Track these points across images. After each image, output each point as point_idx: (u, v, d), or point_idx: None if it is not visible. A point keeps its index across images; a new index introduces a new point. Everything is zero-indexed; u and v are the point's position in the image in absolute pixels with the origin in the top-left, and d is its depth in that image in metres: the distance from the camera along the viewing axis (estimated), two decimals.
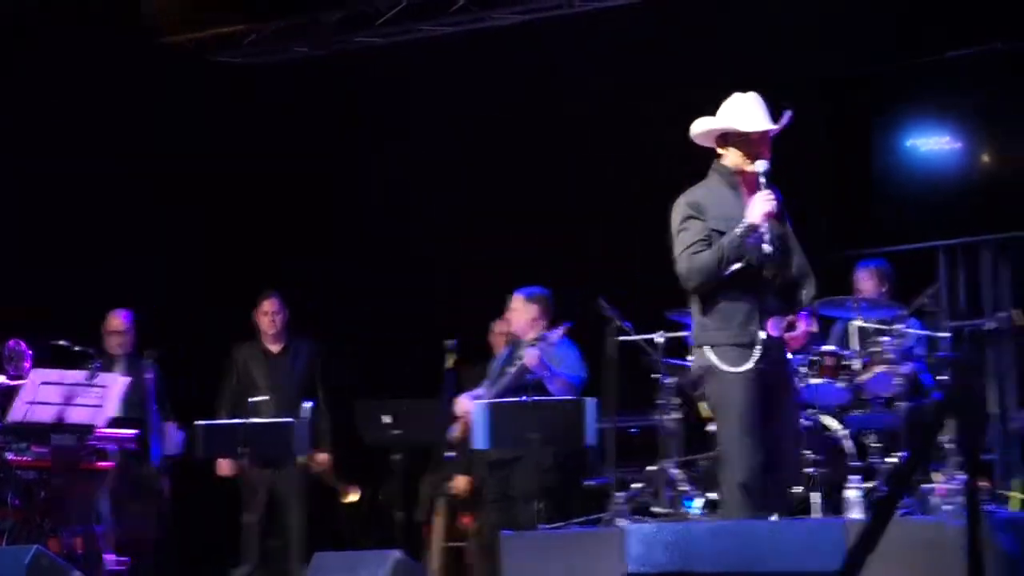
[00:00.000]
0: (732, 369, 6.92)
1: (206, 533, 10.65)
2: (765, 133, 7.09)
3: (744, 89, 7.25)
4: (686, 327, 9.28)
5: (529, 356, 9.08)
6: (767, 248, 6.97)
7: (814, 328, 7.32)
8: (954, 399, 5.85)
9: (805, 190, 10.57)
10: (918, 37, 10.58)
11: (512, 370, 9.25)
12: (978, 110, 10.44)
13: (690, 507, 8.79)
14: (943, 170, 10.51)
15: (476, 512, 10.03)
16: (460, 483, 10.28)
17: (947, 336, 9.41)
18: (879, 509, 5.78)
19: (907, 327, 8.94)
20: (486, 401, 8.95)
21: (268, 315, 10.24)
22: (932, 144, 10.57)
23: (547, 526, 8.70)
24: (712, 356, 6.97)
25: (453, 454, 9.68)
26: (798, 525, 7.10)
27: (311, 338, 10.37)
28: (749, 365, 6.90)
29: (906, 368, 8.80)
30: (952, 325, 10.20)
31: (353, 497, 10.21)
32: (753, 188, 7.07)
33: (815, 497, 8.53)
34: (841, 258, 10.15)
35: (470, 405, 9.26)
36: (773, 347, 6.95)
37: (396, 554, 8.57)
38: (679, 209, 7.11)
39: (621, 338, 9.16)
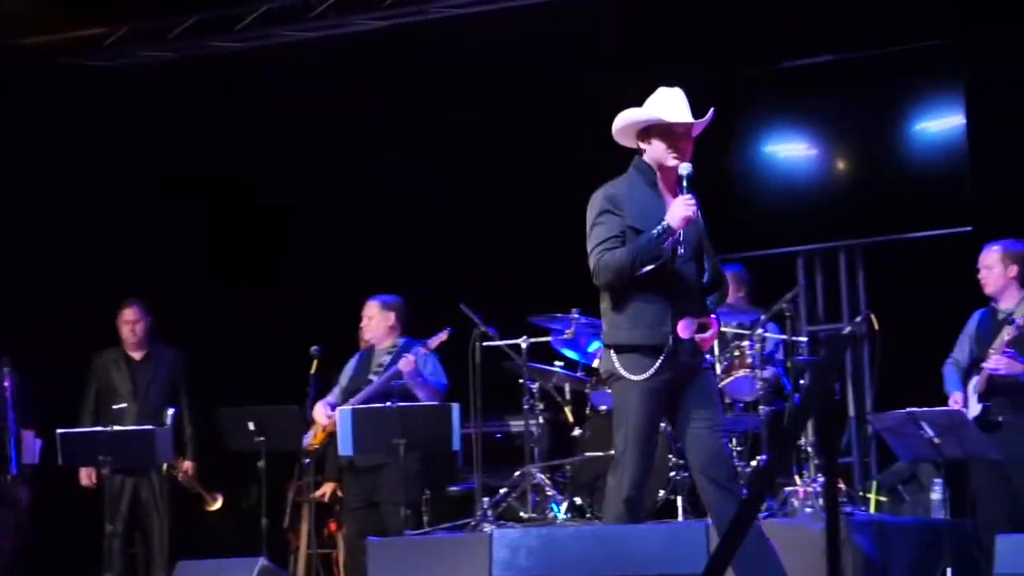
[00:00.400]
0: (632, 377, 6.78)
1: (67, 542, 10.52)
2: (689, 128, 6.97)
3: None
4: (550, 332, 9.38)
5: (406, 362, 9.07)
6: (681, 251, 6.85)
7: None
8: (813, 403, 5.95)
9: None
10: (770, 45, 10.73)
11: (377, 377, 9.24)
12: (833, 118, 10.62)
13: (556, 511, 8.85)
14: (801, 176, 10.67)
15: (342, 518, 10.01)
16: (326, 490, 10.26)
17: (805, 340, 9.57)
18: (741, 512, 5.86)
19: (766, 331, 9.06)
20: (351, 407, 8.93)
21: (129, 323, 10.13)
22: (790, 150, 10.74)
23: (413, 532, 8.71)
24: (615, 361, 6.85)
25: (308, 460, 9.62)
26: (662, 529, 7.16)
27: (174, 345, 10.29)
28: (648, 373, 6.76)
29: (767, 372, 8.94)
30: (810, 329, 10.39)
31: (217, 504, 10.14)
32: (673, 189, 6.96)
33: (679, 501, 8.65)
34: None
35: (325, 411, 9.25)
36: (683, 350, 6.82)
37: (261, 561, 8.55)
38: (596, 202, 6.95)
39: (485, 343, 9.18)
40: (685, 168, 6.89)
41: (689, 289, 6.90)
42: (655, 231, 6.79)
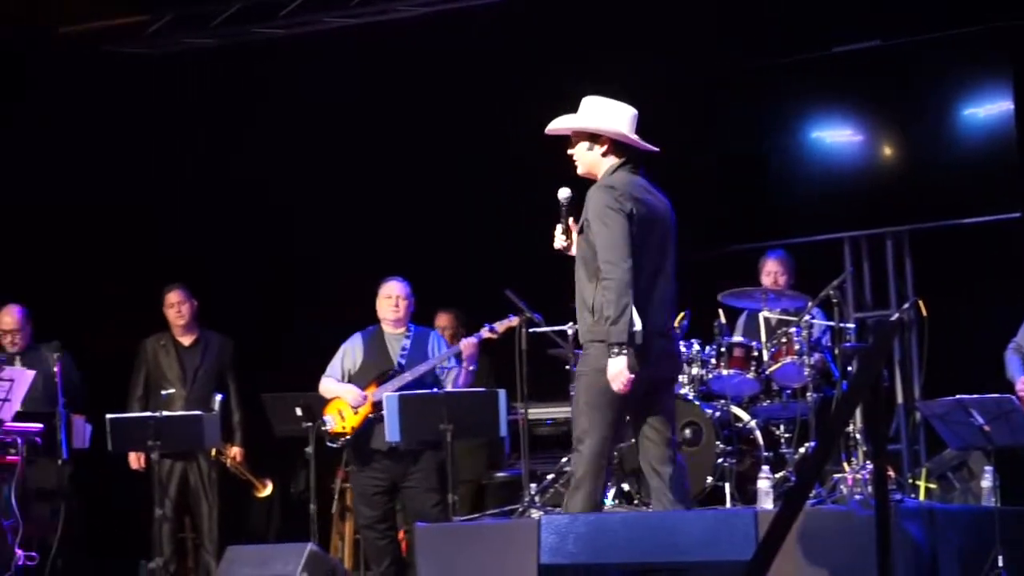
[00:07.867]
0: None
1: (117, 527, 10.59)
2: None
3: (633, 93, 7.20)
4: None
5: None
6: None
7: None
8: (861, 389, 5.95)
9: (705, 183, 10.72)
10: (811, 32, 10.69)
11: (402, 359, 9.20)
12: (880, 103, 10.57)
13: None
14: (847, 162, 10.64)
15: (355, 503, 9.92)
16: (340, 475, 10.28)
17: (853, 327, 9.54)
18: (789, 499, 5.87)
19: (813, 318, 9.04)
20: (397, 393, 8.93)
21: (174, 307, 10.15)
22: (836, 136, 10.70)
23: (461, 518, 8.73)
24: None
25: (336, 445, 9.37)
26: (710, 515, 7.17)
27: (223, 330, 10.31)
28: None
29: (814, 359, 8.91)
30: (858, 316, 10.35)
31: (267, 491, 10.16)
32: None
33: (727, 487, 8.65)
34: (744, 250, 10.27)
35: (356, 394, 9.14)
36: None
37: (309, 546, 8.59)
38: None
39: (532, 329, 9.16)
40: (563, 194, 7.04)
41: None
42: None
